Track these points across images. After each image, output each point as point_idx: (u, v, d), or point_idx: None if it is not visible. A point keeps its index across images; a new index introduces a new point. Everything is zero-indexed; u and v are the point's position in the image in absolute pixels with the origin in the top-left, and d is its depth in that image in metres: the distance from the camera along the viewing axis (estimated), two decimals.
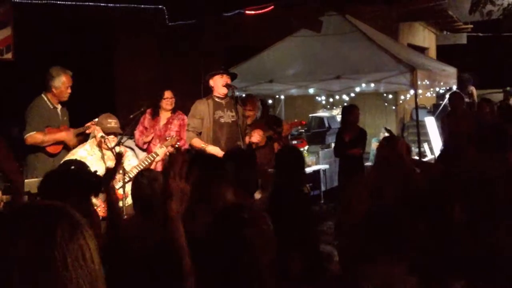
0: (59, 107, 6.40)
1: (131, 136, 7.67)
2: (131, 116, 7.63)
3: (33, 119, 6.14)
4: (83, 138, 6.38)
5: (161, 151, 6.13)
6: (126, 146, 6.55)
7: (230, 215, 2.28)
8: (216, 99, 6.49)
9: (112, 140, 5.74)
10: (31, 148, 6.21)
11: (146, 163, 5.90)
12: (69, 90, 6.36)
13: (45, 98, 6.29)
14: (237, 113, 6.36)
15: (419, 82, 8.41)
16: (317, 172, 10.29)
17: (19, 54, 9.66)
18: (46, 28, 10.79)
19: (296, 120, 8.10)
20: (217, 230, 2.23)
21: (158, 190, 3.67)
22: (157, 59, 13.20)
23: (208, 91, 6.72)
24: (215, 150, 6.04)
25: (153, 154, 6.12)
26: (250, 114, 7.43)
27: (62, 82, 6.28)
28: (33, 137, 6.10)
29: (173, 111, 7.37)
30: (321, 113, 12.06)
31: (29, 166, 6.25)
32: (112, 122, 5.81)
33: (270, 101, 10.42)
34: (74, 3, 11.10)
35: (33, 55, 10.06)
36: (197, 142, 6.34)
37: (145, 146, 7.32)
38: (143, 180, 3.93)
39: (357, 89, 9.06)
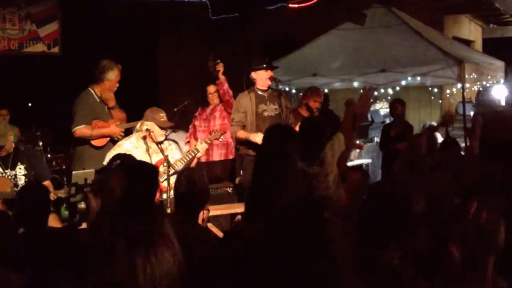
0: None
1: (175, 129, 7.74)
2: (175, 110, 7.72)
3: (81, 112, 6.22)
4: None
5: (202, 147, 6.05)
6: (170, 140, 6.60)
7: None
8: (259, 92, 6.45)
9: (161, 135, 5.79)
10: (78, 141, 6.30)
11: (188, 158, 5.88)
12: (117, 84, 6.46)
13: (92, 91, 6.37)
14: (281, 105, 6.32)
15: (466, 76, 8.23)
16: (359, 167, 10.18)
17: (65, 48, 9.82)
18: (91, 22, 10.91)
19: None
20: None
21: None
22: (200, 52, 13.21)
23: (251, 83, 6.68)
24: (257, 137, 6.03)
25: (194, 151, 6.05)
26: (318, 106, 7.45)
27: (115, 75, 6.38)
28: (81, 131, 6.18)
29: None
30: None
31: (77, 158, 6.34)
32: (164, 116, 5.85)
33: None
34: None
35: (79, 49, 10.19)
36: (241, 134, 6.36)
37: None
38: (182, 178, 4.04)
39: (403, 83, 8.91)
